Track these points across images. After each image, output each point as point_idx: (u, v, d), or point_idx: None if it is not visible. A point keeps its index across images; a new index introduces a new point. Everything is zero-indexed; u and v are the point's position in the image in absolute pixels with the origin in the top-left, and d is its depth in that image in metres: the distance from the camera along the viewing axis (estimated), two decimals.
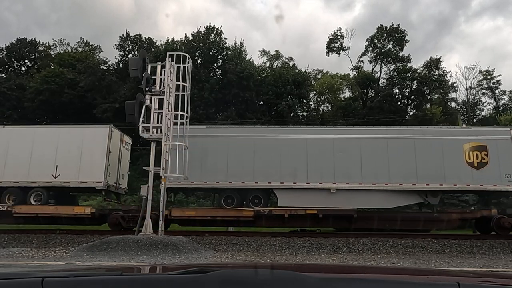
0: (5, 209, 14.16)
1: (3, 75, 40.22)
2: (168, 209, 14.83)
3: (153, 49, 37.62)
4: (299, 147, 14.49)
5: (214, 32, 38.36)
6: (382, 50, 40.39)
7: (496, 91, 43.69)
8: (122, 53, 40.20)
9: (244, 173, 14.23)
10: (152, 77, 11.84)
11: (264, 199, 14.53)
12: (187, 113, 11.89)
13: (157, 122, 11.73)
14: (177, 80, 12.06)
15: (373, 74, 41.44)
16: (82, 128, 16.23)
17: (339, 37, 42.17)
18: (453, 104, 43.78)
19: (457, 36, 69.96)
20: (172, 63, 12.05)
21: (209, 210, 14.99)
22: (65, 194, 15.80)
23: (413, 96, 38.62)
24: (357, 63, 42.04)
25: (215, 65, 38.15)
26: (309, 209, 13.79)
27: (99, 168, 14.51)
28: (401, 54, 40.34)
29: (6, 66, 41.88)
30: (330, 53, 42.65)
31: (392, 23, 41.19)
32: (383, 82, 40.60)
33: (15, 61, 42.79)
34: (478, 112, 44.96)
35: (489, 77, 43.16)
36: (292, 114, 37.28)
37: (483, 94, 44.46)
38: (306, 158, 14.30)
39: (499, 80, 43.19)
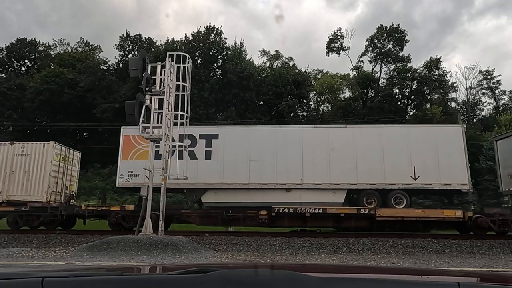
0: (367, 212, 13.52)
1: (3, 75, 40.25)
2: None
3: (153, 49, 37.64)
4: None
5: (214, 32, 38.39)
6: (382, 50, 40.42)
7: (496, 91, 43.75)
8: (122, 53, 40.27)
9: None
10: (152, 77, 11.83)
11: None
12: (187, 113, 11.89)
13: (157, 122, 11.73)
14: (177, 80, 12.06)
15: (373, 74, 41.46)
16: (433, 128, 16.14)
17: (339, 37, 42.25)
18: (453, 104, 43.81)
19: (461, 35, 70.14)
20: (172, 63, 12.04)
21: None
22: None
23: (413, 96, 38.63)
24: (357, 63, 42.12)
25: (215, 65, 38.16)
26: None
27: (461, 169, 13.79)
28: (401, 54, 40.39)
29: (6, 66, 41.90)
30: (330, 53, 42.73)
31: (392, 23, 41.29)
32: (383, 82, 40.65)
33: (15, 61, 42.82)
34: (478, 112, 45.01)
35: (489, 77, 43.20)
36: (292, 114, 37.29)
37: (483, 94, 44.53)
38: None
39: (499, 80, 43.29)
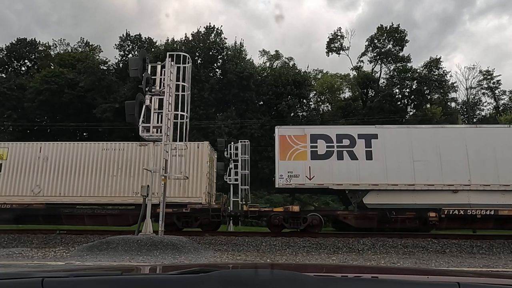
0: None
1: (3, 75, 40.23)
2: None
3: (153, 49, 37.65)
4: None
5: (214, 32, 38.40)
6: (382, 50, 40.41)
7: (496, 91, 43.76)
8: (122, 53, 40.26)
9: None
10: (152, 77, 11.84)
11: None
12: (187, 113, 11.89)
13: (157, 122, 11.73)
14: (177, 80, 12.06)
15: (373, 74, 41.46)
16: None
17: (339, 37, 42.23)
18: (453, 104, 43.82)
19: (462, 34, 70.06)
20: (172, 63, 12.05)
21: None
22: None
23: (413, 96, 38.63)
24: (357, 63, 42.11)
25: (215, 65, 38.16)
26: None
27: None
28: (401, 54, 40.40)
29: (6, 66, 41.89)
30: (330, 53, 42.72)
31: (392, 23, 41.29)
32: (383, 82, 40.66)
33: (15, 61, 42.81)
34: (478, 112, 45.01)
35: (489, 77, 43.20)
36: (292, 114, 37.28)
37: (483, 94, 44.54)
38: None
39: (499, 80, 43.29)
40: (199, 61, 36.56)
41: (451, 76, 41.61)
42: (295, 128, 15.43)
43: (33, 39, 43.20)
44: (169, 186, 14.16)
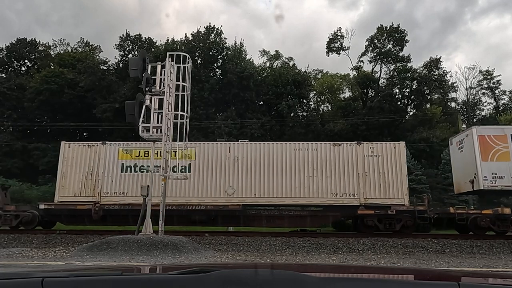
0: None
1: (3, 75, 40.21)
2: None
3: (153, 49, 37.63)
4: None
5: (214, 32, 38.41)
6: (382, 50, 40.38)
7: (496, 91, 43.75)
8: (122, 53, 40.21)
9: None
10: (152, 77, 11.84)
11: None
12: (187, 113, 11.88)
13: (157, 122, 11.73)
14: (177, 80, 12.06)
15: (373, 74, 41.42)
16: None
17: (339, 37, 42.20)
18: (453, 104, 43.82)
19: (463, 34, 69.86)
20: (172, 63, 12.05)
21: None
22: None
23: (413, 96, 38.60)
24: (357, 63, 42.06)
25: (215, 65, 38.17)
26: None
27: None
28: (401, 54, 40.34)
29: (6, 66, 41.87)
30: (330, 53, 42.69)
31: (392, 23, 41.25)
32: (383, 82, 40.60)
33: (15, 61, 42.78)
34: (478, 112, 45.00)
35: (489, 77, 43.19)
36: (292, 114, 37.30)
37: (483, 94, 44.52)
38: None
39: (499, 80, 43.28)
40: (199, 61, 36.57)
41: (451, 76, 41.65)
42: (494, 128, 15.43)
43: (33, 39, 43.19)
44: (369, 188, 14.27)
